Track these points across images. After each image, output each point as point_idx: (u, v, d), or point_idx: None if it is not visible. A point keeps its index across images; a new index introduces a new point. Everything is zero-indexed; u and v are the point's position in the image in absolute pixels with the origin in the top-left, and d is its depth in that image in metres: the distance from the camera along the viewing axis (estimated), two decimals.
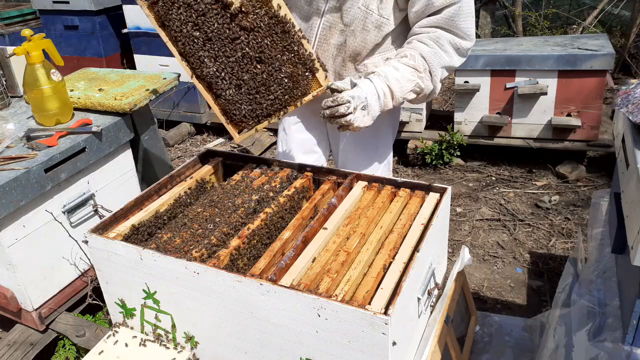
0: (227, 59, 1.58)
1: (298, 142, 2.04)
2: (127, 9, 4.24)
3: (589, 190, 3.34)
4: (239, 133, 1.68)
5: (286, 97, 1.65)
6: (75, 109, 2.20)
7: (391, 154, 2.03)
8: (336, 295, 1.24)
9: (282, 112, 1.68)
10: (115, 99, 2.17)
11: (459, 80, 3.53)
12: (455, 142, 3.63)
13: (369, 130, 1.94)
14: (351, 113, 1.50)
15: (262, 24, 1.59)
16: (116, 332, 1.60)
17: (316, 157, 2.05)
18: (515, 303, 2.48)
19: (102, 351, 1.54)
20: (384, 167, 1.99)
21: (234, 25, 1.57)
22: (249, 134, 1.69)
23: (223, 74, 1.59)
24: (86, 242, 1.51)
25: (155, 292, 1.47)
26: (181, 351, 1.51)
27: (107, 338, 1.58)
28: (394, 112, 1.97)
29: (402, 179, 1.67)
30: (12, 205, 1.79)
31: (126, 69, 3.27)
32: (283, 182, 1.75)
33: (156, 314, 1.51)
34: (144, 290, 1.48)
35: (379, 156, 1.97)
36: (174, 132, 4.48)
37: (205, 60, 1.57)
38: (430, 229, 1.43)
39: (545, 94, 3.35)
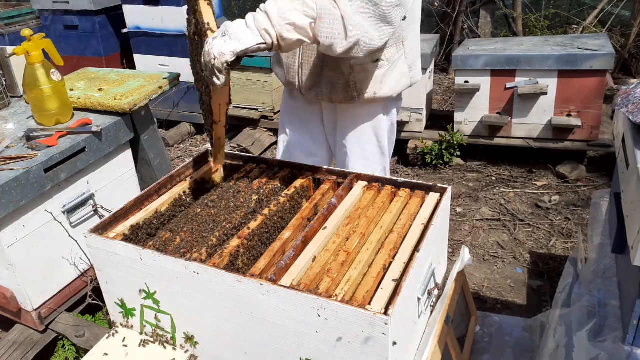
0: (203, 81, 1.59)
1: (297, 143, 2.04)
2: (127, 9, 4.24)
3: (589, 190, 3.34)
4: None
5: (209, 115, 1.62)
6: (75, 109, 2.20)
7: (388, 160, 2.02)
8: (336, 295, 1.24)
9: (211, 132, 1.65)
10: (115, 99, 2.16)
11: (459, 80, 3.53)
12: (455, 142, 3.63)
13: (367, 135, 1.94)
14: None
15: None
16: (116, 332, 1.60)
17: (315, 160, 2.05)
18: (516, 303, 2.48)
19: (101, 351, 1.54)
20: (380, 174, 1.99)
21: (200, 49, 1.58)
22: (216, 158, 1.72)
23: (203, 96, 1.62)
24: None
25: (155, 292, 1.46)
26: (181, 350, 1.51)
27: (107, 338, 1.58)
28: (390, 115, 1.95)
29: (402, 179, 1.67)
30: (12, 205, 1.78)
31: (126, 69, 3.27)
32: (283, 182, 1.75)
33: (156, 314, 1.51)
34: (143, 290, 1.48)
35: (375, 162, 1.96)
36: (174, 132, 4.48)
37: (200, 86, 1.62)
38: (430, 229, 1.43)
39: (545, 94, 3.34)
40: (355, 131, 1.93)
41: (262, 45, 1.39)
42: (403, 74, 1.82)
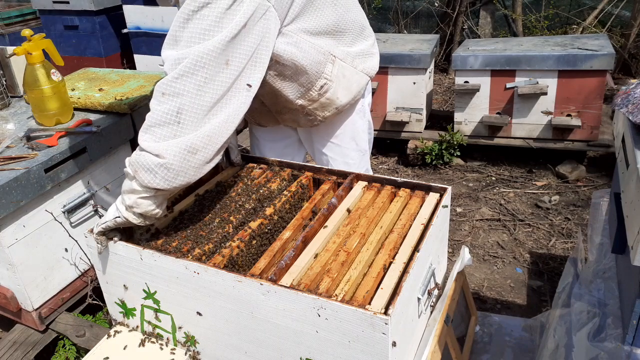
0: None
1: (267, 146, 2.06)
2: (127, 9, 4.24)
3: (589, 190, 3.34)
4: None
5: None
6: (75, 109, 2.20)
7: (368, 158, 2.02)
8: (336, 295, 1.24)
9: None
10: (115, 99, 2.17)
11: (459, 80, 3.53)
12: (455, 142, 3.63)
13: (346, 142, 1.93)
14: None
15: None
16: (116, 332, 1.60)
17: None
18: (515, 303, 2.48)
19: (102, 351, 1.54)
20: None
21: None
22: None
23: None
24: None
25: (155, 292, 1.47)
26: (181, 350, 1.51)
27: (107, 338, 1.58)
28: (365, 113, 1.94)
29: (402, 179, 1.67)
30: (12, 205, 1.79)
31: (126, 69, 3.27)
32: (283, 182, 1.75)
33: (156, 314, 1.51)
34: (144, 290, 1.48)
35: (357, 165, 1.96)
36: None
37: None
38: (430, 229, 1.43)
39: (545, 94, 3.34)
40: (333, 139, 1.92)
41: (118, 219, 1.41)
42: (353, 75, 1.75)
